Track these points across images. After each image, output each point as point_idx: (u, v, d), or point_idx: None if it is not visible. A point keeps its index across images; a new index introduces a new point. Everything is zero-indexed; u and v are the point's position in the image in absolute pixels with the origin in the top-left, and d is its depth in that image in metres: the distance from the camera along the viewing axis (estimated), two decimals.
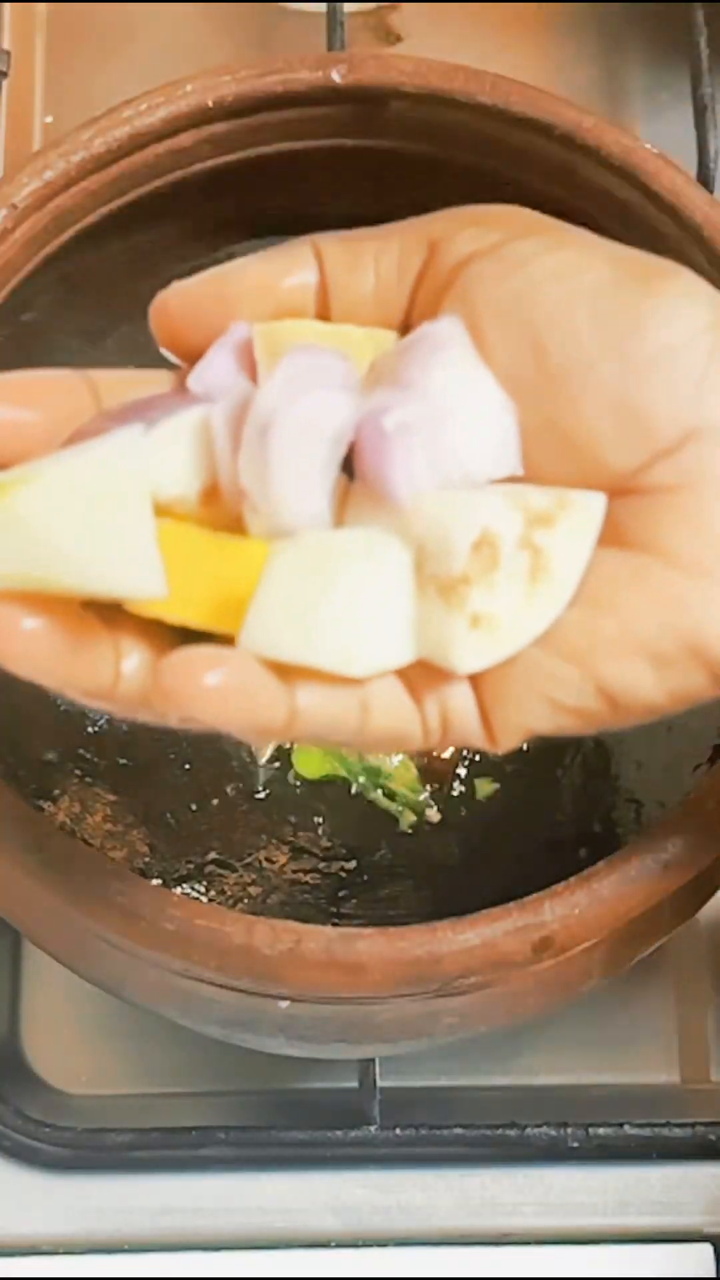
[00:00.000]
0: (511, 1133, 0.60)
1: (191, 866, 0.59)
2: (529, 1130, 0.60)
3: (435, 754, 0.62)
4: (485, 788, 0.62)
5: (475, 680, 0.39)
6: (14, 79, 0.77)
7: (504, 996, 0.50)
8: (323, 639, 0.37)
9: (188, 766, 0.62)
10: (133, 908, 0.48)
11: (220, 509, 0.40)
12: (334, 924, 0.58)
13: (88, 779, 0.60)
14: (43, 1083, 0.63)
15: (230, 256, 0.64)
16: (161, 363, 0.39)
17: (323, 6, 0.74)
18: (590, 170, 0.58)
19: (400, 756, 0.62)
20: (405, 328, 0.41)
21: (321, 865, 0.61)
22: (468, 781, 0.62)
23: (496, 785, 0.62)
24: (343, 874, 0.61)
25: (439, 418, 0.39)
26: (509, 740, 0.39)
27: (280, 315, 0.41)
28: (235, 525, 0.39)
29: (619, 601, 0.38)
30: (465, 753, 0.62)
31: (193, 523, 0.39)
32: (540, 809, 0.62)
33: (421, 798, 0.62)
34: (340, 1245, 0.59)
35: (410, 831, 0.62)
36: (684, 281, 0.39)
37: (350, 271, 0.42)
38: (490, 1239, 0.59)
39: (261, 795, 0.62)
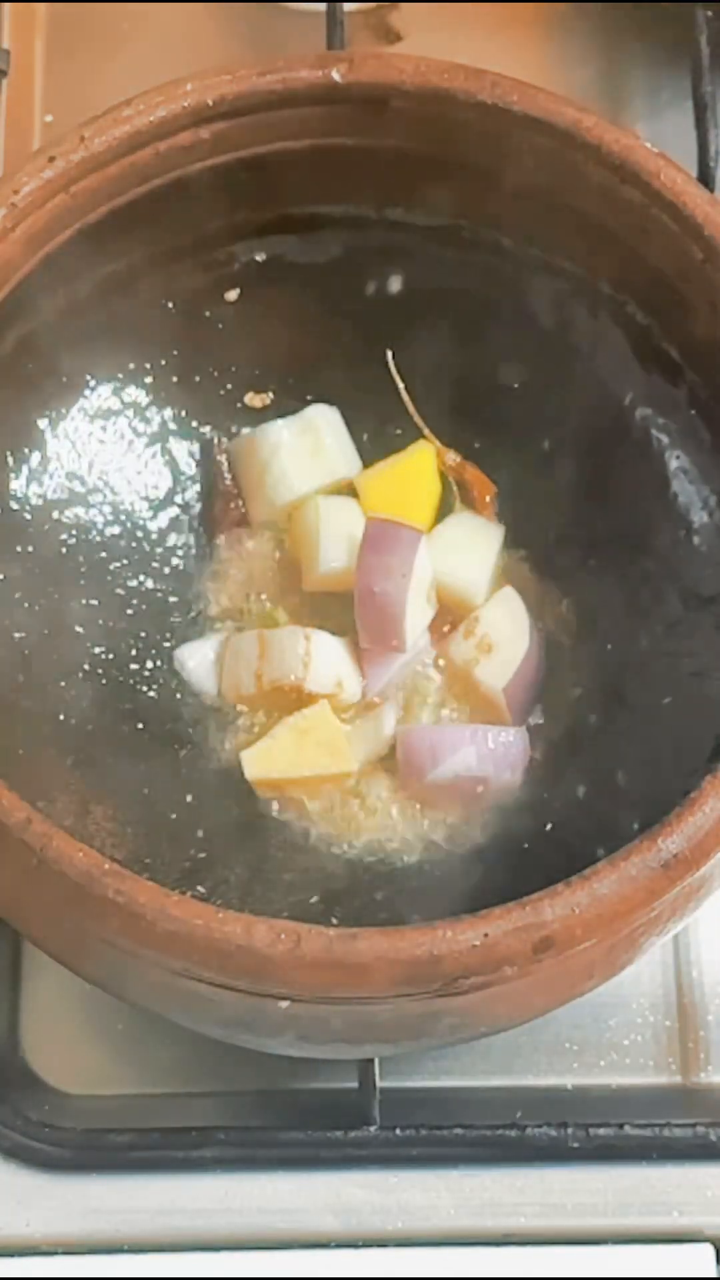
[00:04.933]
0: (511, 1133, 0.60)
1: (191, 866, 0.59)
2: (529, 1130, 0.60)
3: None
4: None
5: None
6: (14, 79, 0.77)
7: (504, 996, 0.50)
8: None
9: (189, 767, 0.62)
10: (133, 908, 0.48)
11: None
12: (334, 924, 0.58)
13: (88, 779, 0.60)
14: (43, 1083, 0.63)
15: (230, 257, 0.64)
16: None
17: (323, 6, 0.74)
18: (590, 169, 0.58)
19: None
20: None
21: (323, 865, 0.61)
22: None
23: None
24: (343, 874, 0.61)
25: None
26: None
27: None
28: None
29: None
30: None
31: None
32: (540, 809, 0.62)
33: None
34: (340, 1245, 0.59)
35: (412, 833, 0.62)
36: None
37: None
38: (490, 1239, 0.59)
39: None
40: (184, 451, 0.67)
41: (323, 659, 0.62)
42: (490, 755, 0.61)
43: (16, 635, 0.61)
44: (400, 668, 0.63)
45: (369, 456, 0.67)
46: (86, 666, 0.62)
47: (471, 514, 0.66)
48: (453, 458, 0.66)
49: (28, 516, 0.63)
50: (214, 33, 0.80)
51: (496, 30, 0.79)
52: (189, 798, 0.62)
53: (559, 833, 0.60)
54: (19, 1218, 0.59)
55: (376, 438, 0.67)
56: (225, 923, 0.47)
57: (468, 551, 0.65)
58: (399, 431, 0.66)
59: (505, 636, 0.63)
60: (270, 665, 0.62)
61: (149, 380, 0.65)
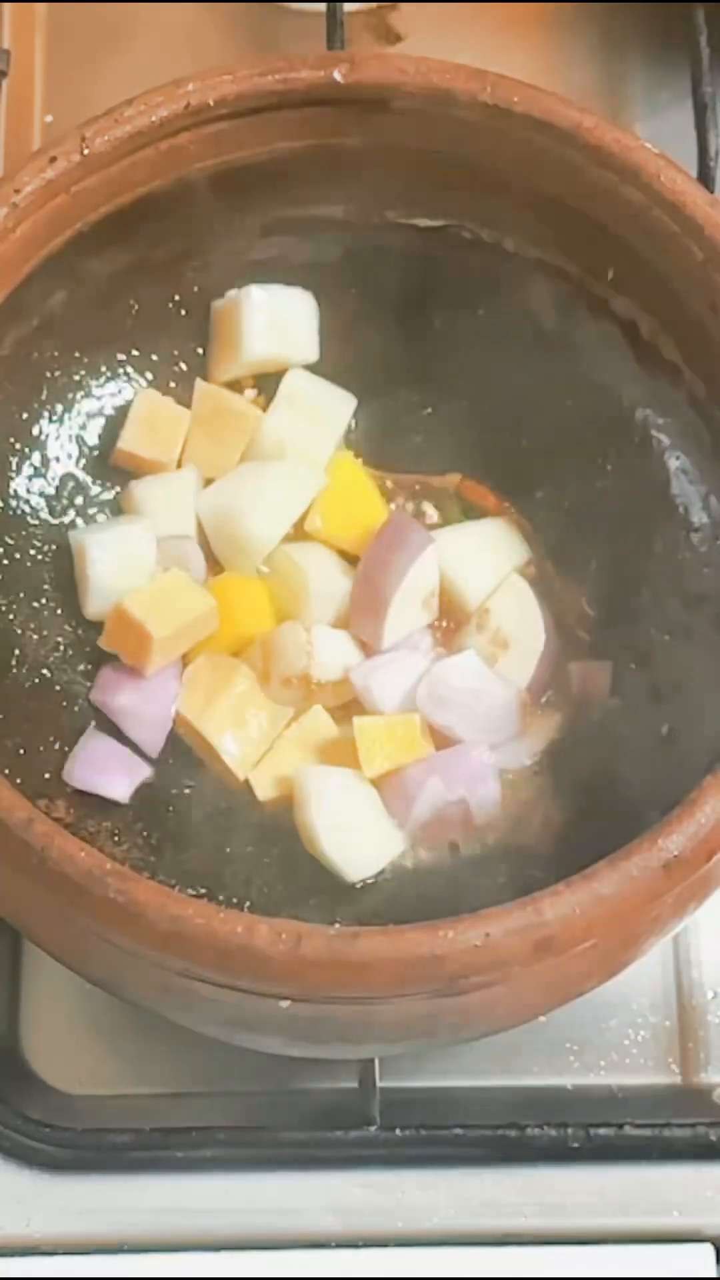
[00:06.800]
0: (511, 1133, 0.60)
1: (192, 867, 0.59)
2: (529, 1130, 0.60)
3: None
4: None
5: None
6: (14, 79, 0.77)
7: (504, 996, 0.50)
8: None
9: (189, 766, 0.62)
10: (133, 908, 0.48)
11: None
12: (335, 924, 0.58)
13: None
14: (43, 1083, 0.63)
15: (230, 256, 0.64)
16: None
17: (323, 6, 0.74)
18: (590, 169, 0.58)
19: None
20: None
21: (323, 865, 0.61)
22: None
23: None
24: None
25: None
26: None
27: None
28: None
29: None
30: None
31: None
32: (541, 809, 0.62)
33: None
34: (340, 1245, 0.59)
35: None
36: None
37: None
38: (490, 1239, 0.59)
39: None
40: None
41: (326, 648, 0.62)
42: (457, 776, 0.60)
43: (18, 633, 0.61)
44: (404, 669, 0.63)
45: (368, 457, 0.67)
46: (89, 665, 0.62)
47: (492, 519, 0.66)
48: (451, 478, 0.66)
49: (28, 516, 0.63)
50: (214, 33, 0.80)
51: (496, 30, 0.79)
52: (189, 797, 0.62)
53: (559, 832, 0.60)
54: (19, 1218, 0.59)
55: (372, 435, 0.67)
56: (226, 922, 0.47)
57: (479, 558, 0.65)
58: (394, 436, 0.67)
59: (519, 629, 0.63)
60: (276, 661, 0.62)
61: (149, 380, 0.65)
